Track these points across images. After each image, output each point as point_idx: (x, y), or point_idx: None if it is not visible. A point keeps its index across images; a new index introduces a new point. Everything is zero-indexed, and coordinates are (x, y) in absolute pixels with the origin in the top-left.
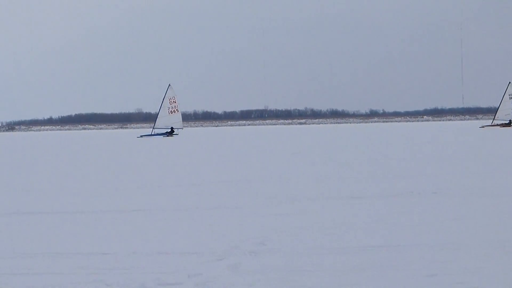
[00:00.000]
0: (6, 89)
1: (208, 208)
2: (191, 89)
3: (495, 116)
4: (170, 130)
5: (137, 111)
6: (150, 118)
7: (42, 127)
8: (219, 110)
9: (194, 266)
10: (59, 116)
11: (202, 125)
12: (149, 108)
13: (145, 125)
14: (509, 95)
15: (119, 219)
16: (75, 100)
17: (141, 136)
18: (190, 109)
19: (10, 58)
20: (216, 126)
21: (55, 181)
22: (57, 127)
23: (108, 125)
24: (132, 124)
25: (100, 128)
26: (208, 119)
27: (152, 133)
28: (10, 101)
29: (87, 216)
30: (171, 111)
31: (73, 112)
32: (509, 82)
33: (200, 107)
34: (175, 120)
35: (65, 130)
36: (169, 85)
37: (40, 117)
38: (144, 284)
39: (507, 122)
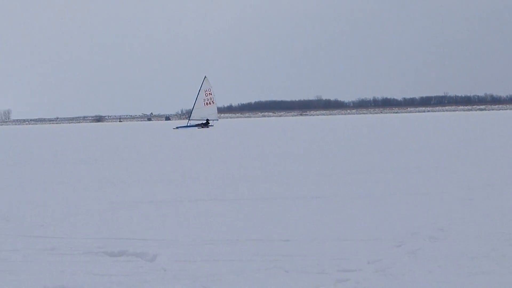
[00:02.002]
0: (185, 79)
1: (384, 194)
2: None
3: None
4: (205, 121)
5: (316, 98)
6: (329, 105)
7: (222, 115)
8: (399, 96)
9: (373, 252)
10: (238, 104)
11: (381, 112)
12: (328, 95)
13: (324, 111)
14: None
15: (298, 206)
16: (255, 88)
17: (177, 127)
18: (369, 96)
19: (196, 46)
20: (396, 113)
21: (232, 169)
22: (237, 114)
23: (288, 112)
24: (311, 111)
25: (280, 116)
26: (388, 105)
27: (188, 124)
28: (190, 90)
29: (267, 202)
30: (206, 102)
31: (253, 99)
32: None
33: (380, 94)
34: (211, 112)
35: (245, 117)
36: (205, 77)
37: (220, 105)
38: (324, 270)
39: None
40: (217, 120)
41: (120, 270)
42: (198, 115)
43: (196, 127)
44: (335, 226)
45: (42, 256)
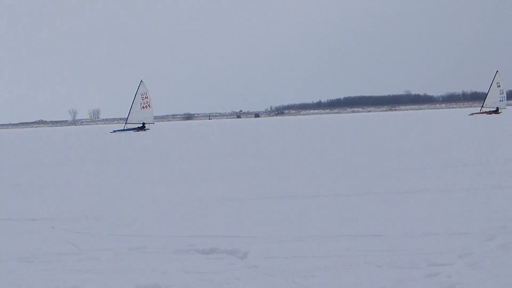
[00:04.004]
0: (275, 76)
1: (473, 188)
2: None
3: (483, 103)
4: (141, 125)
5: (405, 93)
6: (418, 100)
7: (311, 111)
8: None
9: (464, 246)
10: (327, 100)
11: (471, 106)
12: (417, 89)
13: (414, 106)
14: (497, 83)
15: (387, 201)
16: (344, 84)
17: (114, 131)
18: (459, 90)
19: (276, 45)
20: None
21: (316, 164)
22: (326, 110)
23: (377, 108)
24: (400, 106)
25: (369, 111)
26: (477, 99)
27: (125, 128)
28: (279, 87)
29: (355, 198)
30: (143, 106)
31: (342, 95)
32: (497, 71)
33: (469, 88)
34: (147, 115)
35: (334, 113)
36: (141, 81)
37: (309, 101)
38: (415, 265)
39: (495, 109)
40: (153, 123)
41: (211, 268)
42: (135, 119)
43: (133, 131)
44: (425, 221)
45: (133, 255)
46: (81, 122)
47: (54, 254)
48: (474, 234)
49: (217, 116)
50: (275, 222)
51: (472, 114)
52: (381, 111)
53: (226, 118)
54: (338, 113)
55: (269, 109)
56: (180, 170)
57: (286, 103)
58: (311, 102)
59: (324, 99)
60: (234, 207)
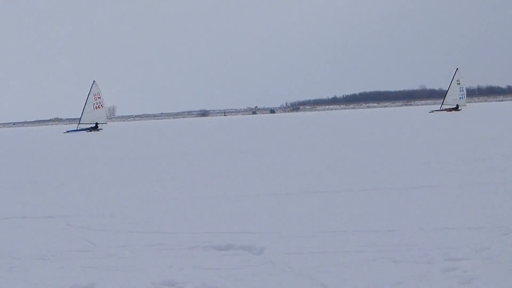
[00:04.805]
0: (290, 72)
1: (490, 183)
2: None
3: (443, 101)
4: (94, 125)
5: (421, 88)
6: (433, 95)
7: (327, 107)
8: (503, 84)
9: (480, 241)
10: (343, 95)
11: (486, 100)
12: (433, 84)
13: (429, 101)
14: (457, 81)
15: (403, 195)
16: (359, 79)
17: (67, 131)
18: (474, 84)
19: (293, 43)
20: (501, 101)
21: (329, 159)
22: (341, 106)
23: (392, 103)
24: (416, 101)
25: (384, 106)
26: (493, 94)
27: (78, 128)
28: (295, 83)
29: (369, 193)
30: (96, 106)
31: (357, 91)
32: (457, 69)
33: (485, 82)
34: (100, 115)
35: (350, 108)
36: (94, 81)
37: (324, 96)
38: (431, 260)
39: (454, 106)
40: (106, 123)
41: (228, 264)
42: (88, 119)
43: (86, 131)
44: (441, 215)
45: (150, 252)
46: None
47: (71, 251)
48: (491, 228)
49: (232, 112)
50: (291, 218)
51: (432, 111)
52: (397, 106)
53: (242, 114)
54: (353, 108)
55: (285, 105)
56: (196, 167)
57: (301, 99)
58: (327, 98)
59: (339, 94)
60: (249, 203)
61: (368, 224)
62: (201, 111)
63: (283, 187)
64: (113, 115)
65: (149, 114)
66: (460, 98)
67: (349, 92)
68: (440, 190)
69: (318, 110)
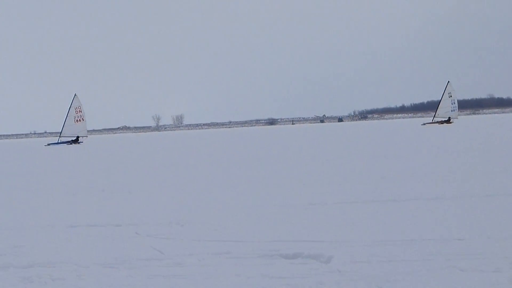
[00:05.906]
0: (360, 79)
1: None
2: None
3: (435, 113)
4: (75, 138)
5: (488, 97)
6: (502, 103)
7: (395, 115)
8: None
9: None
10: (411, 104)
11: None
12: (501, 93)
13: (497, 110)
14: (448, 93)
15: (470, 204)
16: (427, 87)
17: (48, 144)
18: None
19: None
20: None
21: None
22: (409, 114)
23: (460, 111)
24: (484, 110)
25: None
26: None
27: (59, 141)
28: (364, 91)
29: (437, 202)
30: (77, 120)
31: (425, 99)
32: (448, 81)
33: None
34: (81, 129)
35: (418, 117)
36: (75, 94)
37: (392, 105)
38: (499, 269)
39: (446, 119)
40: (87, 137)
41: (295, 273)
42: (69, 132)
43: (66, 144)
44: (509, 225)
45: (217, 260)
46: (165, 128)
47: (139, 259)
48: None
49: (300, 120)
50: (358, 226)
51: (424, 124)
52: (465, 114)
53: (310, 122)
54: (421, 117)
55: (353, 114)
56: (263, 174)
57: (369, 107)
58: (395, 106)
59: (407, 103)
60: (318, 211)
61: (435, 232)
62: (269, 119)
63: (352, 196)
64: (181, 124)
65: (217, 123)
66: (452, 111)
67: (417, 100)
68: (508, 199)
69: (386, 119)
